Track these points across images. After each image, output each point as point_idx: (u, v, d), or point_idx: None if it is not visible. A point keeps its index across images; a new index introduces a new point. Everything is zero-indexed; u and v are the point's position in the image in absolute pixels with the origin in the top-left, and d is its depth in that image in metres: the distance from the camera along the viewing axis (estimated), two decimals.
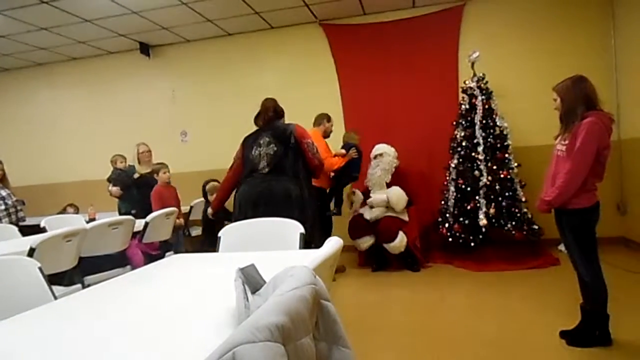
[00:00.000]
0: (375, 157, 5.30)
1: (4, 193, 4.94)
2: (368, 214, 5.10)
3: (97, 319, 1.38)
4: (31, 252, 2.79)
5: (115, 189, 5.28)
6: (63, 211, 5.81)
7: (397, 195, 4.97)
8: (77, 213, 5.71)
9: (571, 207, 2.69)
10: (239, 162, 3.39)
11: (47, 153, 7.32)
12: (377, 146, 5.37)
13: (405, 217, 5.07)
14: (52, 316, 1.43)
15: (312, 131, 4.85)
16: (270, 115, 3.40)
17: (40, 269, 1.85)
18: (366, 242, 5.05)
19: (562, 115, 2.76)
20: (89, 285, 1.97)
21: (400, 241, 4.83)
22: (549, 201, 2.74)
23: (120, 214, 5.06)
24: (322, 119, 5.04)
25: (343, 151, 4.99)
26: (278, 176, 3.15)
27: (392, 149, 5.32)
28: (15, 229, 4.18)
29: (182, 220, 5.05)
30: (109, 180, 5.42)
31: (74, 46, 6.52)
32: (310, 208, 3.24)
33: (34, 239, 2.94)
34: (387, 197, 4.97)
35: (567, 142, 2.67)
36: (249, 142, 3.35)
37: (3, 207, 4.86)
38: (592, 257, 2.72)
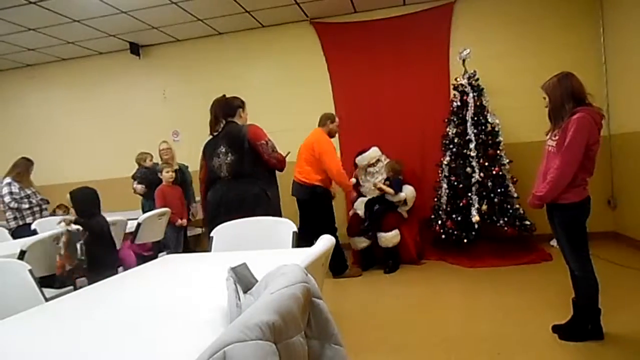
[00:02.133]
0: (371, 165, 5.28)
1: (29, 191, 5.00)
2: (361, 211, 5.14)
3: (88, 320, 1.37)
4: (22, 255, 2.77)
5: (139, 187, 5.35)
6: (53, 213, 5.77)
7: (413, 194, 5.16)
8: (67, 214, 5.67)
9: (562, 202, 2.71)
10: (204, 169, 3.52)
11: (37, 155, 7.17)
12: (367, 155, 5.27)
13: (405, 214, 5.16)
14: (42, 318, 1.42)
15: (317, 131, 4.84)
16: (211, 118, 3.46)
17: (30, 271, 1.83)
18: (362, 242, 5.07)
19: (551, 112, 2.78)
20: (80, 287, 1.96)
21: (393, 236, 4.86)
22: (540, 196, 2.76)
23: (144, 212, 5.06)
24: (327, 119, 4.91)
25: (390, 190, 5.03)
26: (237, 180, 3.27)
27: (379, 150, 5.34)
28: (6, 231, 4.15)
29: (184, 221, 5.04)
30: (134, 177, 5.48)
31: (64, 47, 6.46)
32: (273, 206, 3.33)
33: (24, 242, 2.92)
34: (404, 197, 5.08)
35: (557, 137, 2.69)
36: (209, 151, 3.43)
37: (27, 205, 4.89)
38: (583, 252, 2.74)
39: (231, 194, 3.23)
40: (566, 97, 2.67)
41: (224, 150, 3.31)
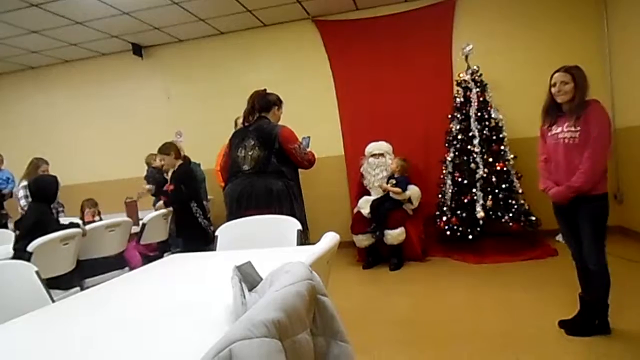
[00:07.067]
0: (374, 155, 5.31)
1: None
2: (365, 211, 5.13)
3: (94, 320, 1.38)
4: (28, 256, 2.79)
5: (148, 187, 5.43)
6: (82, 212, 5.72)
7: (418, 194, 5.19)
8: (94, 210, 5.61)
9: (594, 194, 2.67)
10: (226, 159, 3.47)
11: (42, 156, 7.28)
12: (374, 145, 5.40)
13: (410, 212, 5.17)
14: (50, 318, 1.43)
15: None
16: (247, 108, 3.39)
17: (37, 272, 1.84)
18: (366, 239, 5.07)
19: (575, 101, 2.67)
20: (87, 288, 1.96)
21: (399, 234, 4.86)
22: (578, 187, 2.66)
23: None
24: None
25: (398, 190, 5.03)
26: (260, 174, 3.21)
27: (390, 147, 5.35)
28: (12, 233, 4.16)
29: None
30: (145, 178, 5.60)
31: (66, 49, 6.48)
32: (299, 203, 3.28)
33: (30, 243, 2.93)
34: (409, 195, 5.10)
35: (579, 128, 2.64)
36: (236, 141, 3.37)
37: None
38: (603, 244, 2.72)
39: (253, 186, 3.17)
40: (588, 88, 2.68)
41: (252, 143, 3.26)
